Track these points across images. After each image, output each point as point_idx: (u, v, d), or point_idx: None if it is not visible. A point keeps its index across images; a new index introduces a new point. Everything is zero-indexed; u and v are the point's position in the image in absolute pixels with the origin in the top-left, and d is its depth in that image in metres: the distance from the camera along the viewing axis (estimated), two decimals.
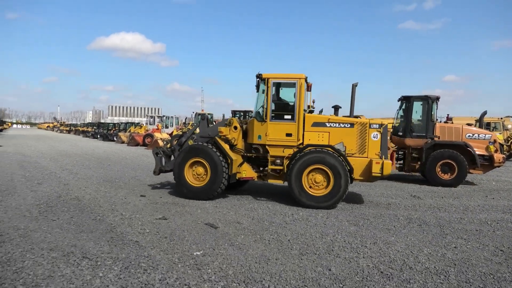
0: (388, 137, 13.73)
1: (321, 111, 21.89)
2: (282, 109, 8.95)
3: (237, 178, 9.03)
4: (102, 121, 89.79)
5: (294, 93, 8.69)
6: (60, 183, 10.19)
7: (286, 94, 9.23)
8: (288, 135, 8.65)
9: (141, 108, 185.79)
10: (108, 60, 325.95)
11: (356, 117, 28.91)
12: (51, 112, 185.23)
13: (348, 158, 8.36)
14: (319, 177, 8.26)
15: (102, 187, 9.89)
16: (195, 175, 8.85)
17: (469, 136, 12.77)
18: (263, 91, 8.81)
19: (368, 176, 8.39)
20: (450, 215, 7.98)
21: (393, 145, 14.06)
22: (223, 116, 8.46)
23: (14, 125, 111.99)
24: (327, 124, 8.67)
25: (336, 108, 10.24)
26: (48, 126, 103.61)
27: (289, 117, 8.69)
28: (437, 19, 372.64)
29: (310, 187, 8.31)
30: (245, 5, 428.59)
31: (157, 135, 27.82)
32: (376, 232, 6.50)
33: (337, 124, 8.64)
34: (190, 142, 9.51)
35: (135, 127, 37.18)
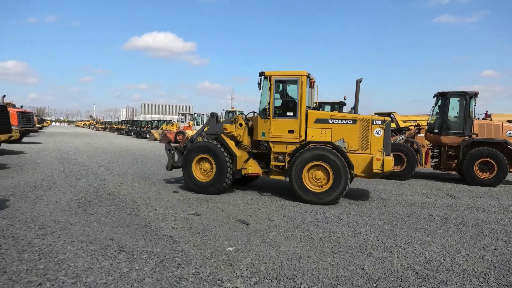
0: (423, 135, 13.47)
1: (353, 108, 21.52)
2: (285, 106, 9.10)
3: (243, 173, 9.22)
4: (135, 119, 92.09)
5: (296, 90, 8.80)
6: (97, 179, 10.54)
7: (292, 91, 9.27)
8: (291, 131, 8.79)
9: (172, 106, 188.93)
10: (141, 60, 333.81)
11: (389, 114, 28.24)
12: (87, 110, 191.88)
13: (350, 154, 8.38)
14: (319, 174, 8.31)
15: (137, 183, 10.16)
16: (202, 170, 9.16)
17: (509, 133, 12.23)
18: (268, 88, 8.93)
19: (369, 172, 8.35)
20: (489, 216, 7.69)
21: (428, 142, 13.69)
22: (253, 113, 8.58)
23: (53, 123, 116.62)
24: (329, 120, 8.72)
25: (341, 105, 10.14)
26: (84, 124, 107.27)
27: (292, 114, 8.83)
28: (475, 12, 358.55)
29: (311, 183, 8.38)
30: (275, 2, 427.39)
31: (188, 132, 28.27)
32: (411, 231, 6.35)
33: (340, 120, 8.67)
34: (199, 139, 9.74)
35: (167, 125, 37.91)
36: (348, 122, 8.59)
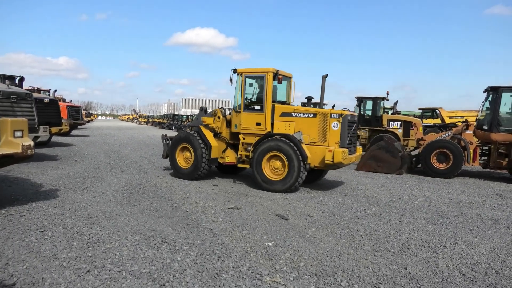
0: (471, 131, 12.85)
1: (396, 103, 20.88)
2: (253, 101, 9.76)
3: (221, 162, 10.02)
4: (176, 113, 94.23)
5: (263, 85, 9.32)
6: (140, 171, 10.88)
7: (260, 87, 9.61)
8: (258, 124, 9.39)
9: (213, 100, 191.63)
10: (183, 55, 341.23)
11: (434, 110, 27.09)
12: (130, 104, 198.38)
13: (310, 146, 8.80)
14: (278, 164, 8.79)
15: (174, 176, 10.38)
16: (185, 158, 10.10)
17: None
18: (239, 84, 9.56)
19: (324, 163, 8.61)
20: None
21: (476, 139, 13.04)
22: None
23: (99, 117, 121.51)
24: (293, 114, 9.15)
25: (309, 99, 10.31)
26: (128, 118, 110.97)
27: (259, 108, 9.44)
28: None
29: (271, 172, 8.87)
30: None
31: None
32: (457, 232, 6.09)
33: (302, 114, 9.07)
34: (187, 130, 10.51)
35: None
36: (309, 115, 8.98)
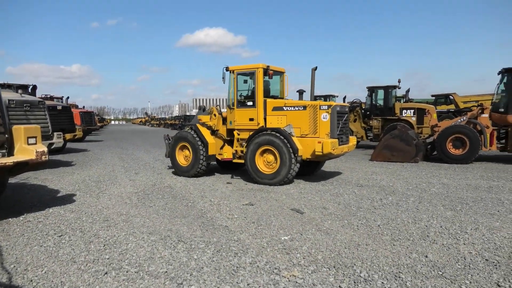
0: (487, 115, 12.58)
1: (408, 91, 20.60)
2: (246, 97, 9.87)
3: (219, 159, 10.21)
4: (187, 114, 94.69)
5: (255, 81, 9.40)
6: (154, 173, 10.94)
7: (252, 83, 9.73)
8: (251, 119, 9.52)
9: (223, 99, 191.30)
10: (193, 56, 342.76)
11: (447, 96, 26.65)
12: (142, 107, 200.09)
13: (302, 139, 8.86)
14: (271, 157, 8.93)
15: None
16: (184, 156, 10.30)
17: None
18: (232, 81, 9.71)
19: (314, 155, 8.66)
20: None
21: (493, 123, 12.75)
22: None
23: (112, 122, 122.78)
24: (284, 108, 9.27)
25: (300, 92, 10.43)
26: (140, 121, 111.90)
27: (251, 103, 9.54)
28: None
29: (265, 166, 9.01)
30: None
31: None
32: (477, 217, 5.96)
33: (292, 107, 9.17)
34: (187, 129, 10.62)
35: None
36: (299, 108, 9.07)
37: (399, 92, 20.37)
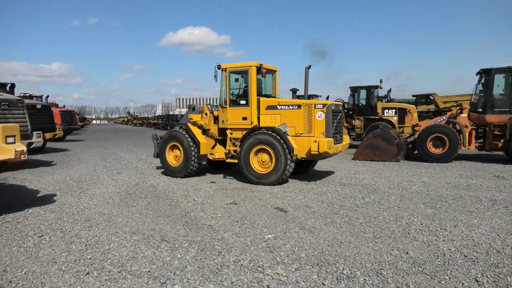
0: (466, 115, 12.87)
1: (389, 91, 20.87)
2: (239, 95, 9.72)
3: (211, 159, 10.00)
4: (170, 113, 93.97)
5: (247, 80, 9.29)
6: (137, 172, 10.83)
7: (245, 81, 9.59)
8: (244, 118, 9.37)
9: (207, 98, 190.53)
10: (177, 55, 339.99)
11: (427, 96, 27.08)
12: (125, 107, 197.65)
13: (296, 138, 8.78)
14: (265, 157, 8.82)
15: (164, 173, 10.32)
16: (174, 156, 10.09)
17: None
18: (224, 80, 9.55)
19: (310, 154, 8.60)
20: None
21: (471, 122, 13.06)
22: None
23: (94, 121, 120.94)
24: (278, 107, 9.15)
25: (294, 91, 10.35)
26: (123, 121, 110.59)
27: (244, 102, 9.37)
28: None
29: (260, 165, 8.90)
30: None
31: None
32: (456, 214, 6.09)
33: (286, 106, 9.07)
34: (176, 128, 10.44)
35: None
36: (294, 107, 8.97)
37: (381, 92, 20.67)
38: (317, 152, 8.42)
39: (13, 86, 16.14)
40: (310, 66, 9.87)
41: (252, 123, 9.25)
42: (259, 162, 8.91)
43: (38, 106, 14.30)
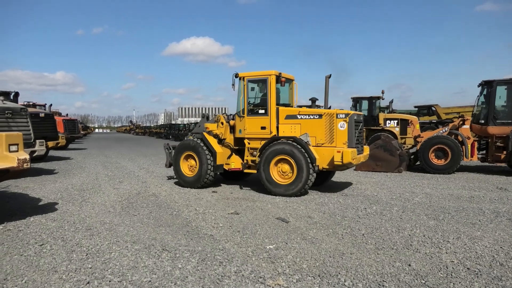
0: (468, 126, 12.86)
1: (391, 101, 20.90)
2: (257, 105, 9.56)
3: (226, 169, 9.72)
4: (173, 122, 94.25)
5: (266, 89, 9.16)
6: (139, 181, 10.83)
7: (263, 90, 9.44)
8: (263, 128, 9.21)
9: (209, 108, 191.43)
10: (180, 65, 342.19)
11: (429, 107, 27.11)
12: (127, 116, 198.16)
13: (317, 148, 8.62)
14: (286, 167, 8.64)
15: (177, 184, 10.33)
16: (189, 166, 9.86)
17: None
18: (242, 88, 9.42)
19: (333, 165, 8.46)
20: None
21: (473, 134, 13.05)
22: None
23: (96, 130, 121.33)
24: (298, 116, 8.99)
25: (313, 101, 10.27)
26: (125, 129, 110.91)
27: (263, 111, 9.24)
28: None
29: (280, 176, 8.73)
30: (309, 4, 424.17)
31: None
32: (459, 226, 6.06)
33: (307, 116, 8.92)
34: (190, 137, 10.28)
35: None
36: (315, 117, 8.82)
37: (383, 103, 20.73)
38: (340, 163, 8.25)
39: (16, 94, 16.23)
40: (330, 75, 9.69)
41: (271, 132, 9.07)
42: (279, 173, 8.73)
43: (41, 115, 14.37)
